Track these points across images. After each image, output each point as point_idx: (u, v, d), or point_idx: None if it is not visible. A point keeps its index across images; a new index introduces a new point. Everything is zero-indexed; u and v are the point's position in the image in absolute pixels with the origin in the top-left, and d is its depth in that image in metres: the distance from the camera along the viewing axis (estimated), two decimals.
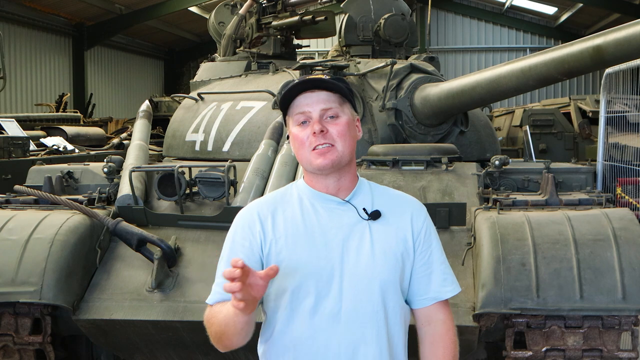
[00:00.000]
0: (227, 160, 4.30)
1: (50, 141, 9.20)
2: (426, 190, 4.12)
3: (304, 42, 6.51)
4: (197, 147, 5.09)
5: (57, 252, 3.60)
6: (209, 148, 5.01)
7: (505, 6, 24.24)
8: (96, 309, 3.65)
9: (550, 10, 23.52)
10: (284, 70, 5.29)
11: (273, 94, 4.85)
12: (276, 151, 4.44)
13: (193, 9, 21.03)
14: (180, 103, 5.83)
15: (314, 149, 1.96)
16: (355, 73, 4.99)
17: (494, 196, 3.98)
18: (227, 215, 3.79)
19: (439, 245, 2.08)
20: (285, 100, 2.01)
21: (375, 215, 2.00)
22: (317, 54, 14.71)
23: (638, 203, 5.84)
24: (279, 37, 5.93)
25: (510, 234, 3.43)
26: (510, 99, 18.38)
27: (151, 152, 5.39)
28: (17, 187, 4.34)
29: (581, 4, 20.84)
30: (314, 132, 1.95)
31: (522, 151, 10.05)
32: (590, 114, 11.08)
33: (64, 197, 4.12)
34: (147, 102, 5.74)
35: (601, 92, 6.35)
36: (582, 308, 3.20)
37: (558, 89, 22.97)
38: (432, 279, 2.04)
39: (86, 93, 19.62)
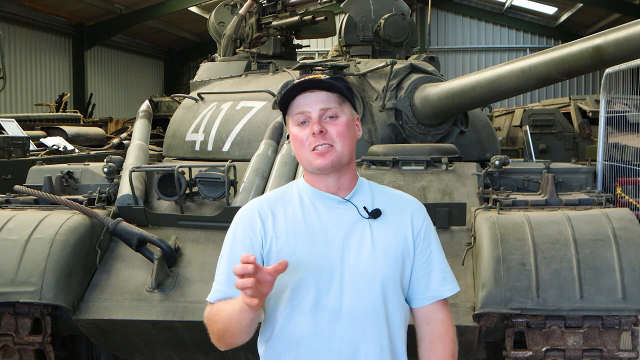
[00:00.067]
0: (227, 160, 4.30)
1: (50, 141, 9.21)
2: (426, 190, 4.12)
3: (304, 42, 6.51)
4: (197, 147, 5.09)
5: (57, 252, 3.60)
6: (209, 148, 5.01)
7: (505, 6, 24.25)
8: (96, 309, 3.65)
9: (550, 10, 23.52)
10: (284, 70, 5.29)
11: (273, 94, 4.85)
12: (276, 151, 4.44)
13: (193, 9, 21.03)
14: (180, 103, 5.83)
15: (313, 150, 1.96)
16: (355, 73, 4.99)
17: (494, 196, 3.98)
18: (227, 215, 3.79)
19: (438, 245, 2.09)
20: (284, 101, 2.01)
21: (375, 213, 2.00)
22: (317, 54, 14.71)
23: (638, 203, 5.84)
24: (279, 37, 5.93)
25: (510, 234, 3.43)
26: (510, 99, 18.38)
27: (151, 152, 5.39)
28: (17, 187, 4.34)
29: (581, 4, 20.85)
30: (313, 133, 1.95)
31: (522, 151, 10.05)
32: (590, 114, 11.09)
33: (64, 197, 4.12)
34: (147, 102, 5.74)
35: (601, 92, 6.36)
36: (582, 308, 3.20)
37: (558, 89, 22.97)
38: (432, 278, 2.04)
39: (86, 93, 19.62)
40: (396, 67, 4.84)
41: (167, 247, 3.79)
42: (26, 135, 8.56)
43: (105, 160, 4.56)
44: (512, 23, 24.99)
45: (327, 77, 2.00)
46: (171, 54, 26.04)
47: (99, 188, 4.35)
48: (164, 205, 4.27)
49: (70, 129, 10.33)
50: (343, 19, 5.77)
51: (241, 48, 6.07)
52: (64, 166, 4.89)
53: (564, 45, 3.82)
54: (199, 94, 5.43)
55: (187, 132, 5.23)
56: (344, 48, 5.87)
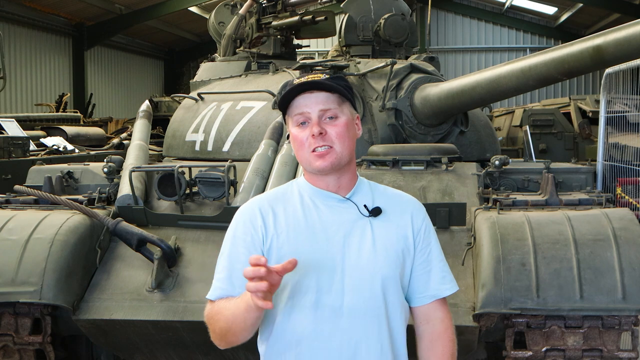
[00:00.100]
0: (227, 160, 4.30)
1: (50, 141, 9.21)
2: (426, 190, 4.12)
3: (304, 42, 6.51)
4: (197, 147, 5.09)
5: (57, 252, 3.60)
6: (209, 148, 5.01)
7: (505, 6, 24.25)
8: (96, 309, 3.65)
9: (550, 10, 23.52)
10: (284, 70, 5.29)
11: (273, 94, 4.85)
12: (276, 151, 4.44)
13: (193, 9, 21.03)
14: (180, 103, 5.83)
15: (313, 151, 1.97)
16: (355, 73, 4.99)
17: (494, 196, 3.98)
18: (227, 215, 3.78)
19: (437, 244, 2.09)
20: (284, 101, 2.01)
21: (376, 212, 2.01)
22: (317, 54, 14.71)
23: (638, 203, 5.84)
24: (279, 37, 5.93)
25: (510, 234, 3.43)
26: (510, 99, 18.39)
27: (151, 152, 5.39)
28: (17, 187, 4.34)
29: (581, 4, 20.85)
30: (313, 134, 1.95)
31: (522, 151, 10.05)
32: (590, 114, 11.09)
33: (64, 197, 4.12)
34: (147, 102, 5.74)
35: (601, 92, 6.36)
36: (582, 308, 3.20)
37: (558, 89, 22.98)
38: (431, 277, 2.05)
39: (86, 93, 19.62)
40: (396, 67, 4.84)
41: (167, 247, 3.79)
42: (26, 135, 8.56)
43: (105, 160, 4.56)
44: (512, 23, 24.99)
45: (326, 77, 2.00)
46: (171, 54, 26.04)
47: (99, 188, 4.35)
48: (164, 205, 4.27)
49: (70, 129, 10.33)
50: (343, 19, 5.77)
51: (241, 48, 6.07)
52: (64, 166, 4.89)
53: (564, 45, 3.82)
54: (199, 94, 5.43)
55: (187, 132, 5.23)
56: (344, 48, 5.87)
